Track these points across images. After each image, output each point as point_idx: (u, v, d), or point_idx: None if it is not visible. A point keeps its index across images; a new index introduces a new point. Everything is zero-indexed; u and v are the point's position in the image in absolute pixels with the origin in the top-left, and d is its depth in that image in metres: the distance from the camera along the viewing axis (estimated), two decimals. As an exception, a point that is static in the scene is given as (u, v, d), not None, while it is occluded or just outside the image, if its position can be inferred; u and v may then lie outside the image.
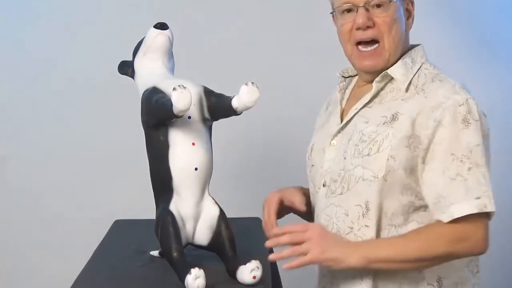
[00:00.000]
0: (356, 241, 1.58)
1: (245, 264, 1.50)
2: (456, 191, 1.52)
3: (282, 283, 1.94)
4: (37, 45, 2.63)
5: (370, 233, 1.58)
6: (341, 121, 1.70)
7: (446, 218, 1.51)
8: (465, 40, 2.66)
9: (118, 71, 1.71)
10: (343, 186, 1.63)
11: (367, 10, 1.62)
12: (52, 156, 2.65)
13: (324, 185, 1.67)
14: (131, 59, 1.69)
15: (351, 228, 1.61)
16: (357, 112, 1.67)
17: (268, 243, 1.57)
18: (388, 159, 1.57)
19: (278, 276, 1.92)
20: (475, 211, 1.50)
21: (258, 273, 1.49)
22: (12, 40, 2.63)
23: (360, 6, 1.62)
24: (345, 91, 1.76)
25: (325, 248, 1.51)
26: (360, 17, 1.62)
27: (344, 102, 1.74)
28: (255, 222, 2.02)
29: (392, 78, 1.66)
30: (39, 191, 2.65)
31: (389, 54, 1.64)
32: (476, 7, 2.68)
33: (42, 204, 2.65)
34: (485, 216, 1.53)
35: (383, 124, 1.61)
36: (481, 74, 2.65)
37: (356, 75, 1.78)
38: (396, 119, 1.60)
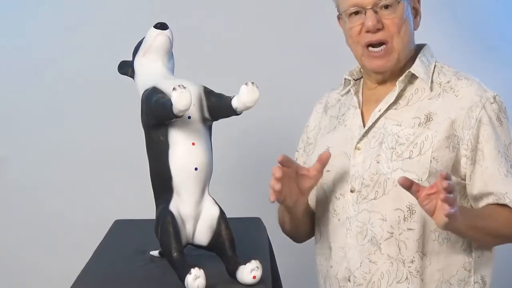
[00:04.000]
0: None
1: (245, 264, 1.50)
2: None
3: (282, 283, 1.94)
4: (37, 45, 2.63)
5: (415, 236, 1.58)
6: (363, 125, 1.68)
7: None
8: (465, 39, 2.66)
9: (118, 71, 1.71)
10: (377, 191, 1.61)
11: (375, 12, 1.61)
12: (52, 156, 2.65)
13: (352, 191, 1.65)
14: (131, 59, 1.69)
15: (391, 233, 1.60)
16: (382, 114, 1.65)
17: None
18: (431, 161, 1.57)
19: (278, 276, 1.92)
20: None
21: (258, 273, 1.48)
22: (12, 40, 2.63)
23: (368, 9, 1.61)
24: (358, 94, 1.74)
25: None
26: (369, 20, 1.60)
27: (360, 105, 1.72)
28: (255, 222, 2.02)
29: (410, 78, 1.65)
30: (39, 191, 2.65)
31: (399, 54, 1.63)
32: (477, 7, 2.68)
33: (42, 204, 2.65)
34: None
35: (418, 125, 1.60)
36: (481, 74, 2.64)
37: (361, 78, 1.76)
38: (431, 119, 1.60)
